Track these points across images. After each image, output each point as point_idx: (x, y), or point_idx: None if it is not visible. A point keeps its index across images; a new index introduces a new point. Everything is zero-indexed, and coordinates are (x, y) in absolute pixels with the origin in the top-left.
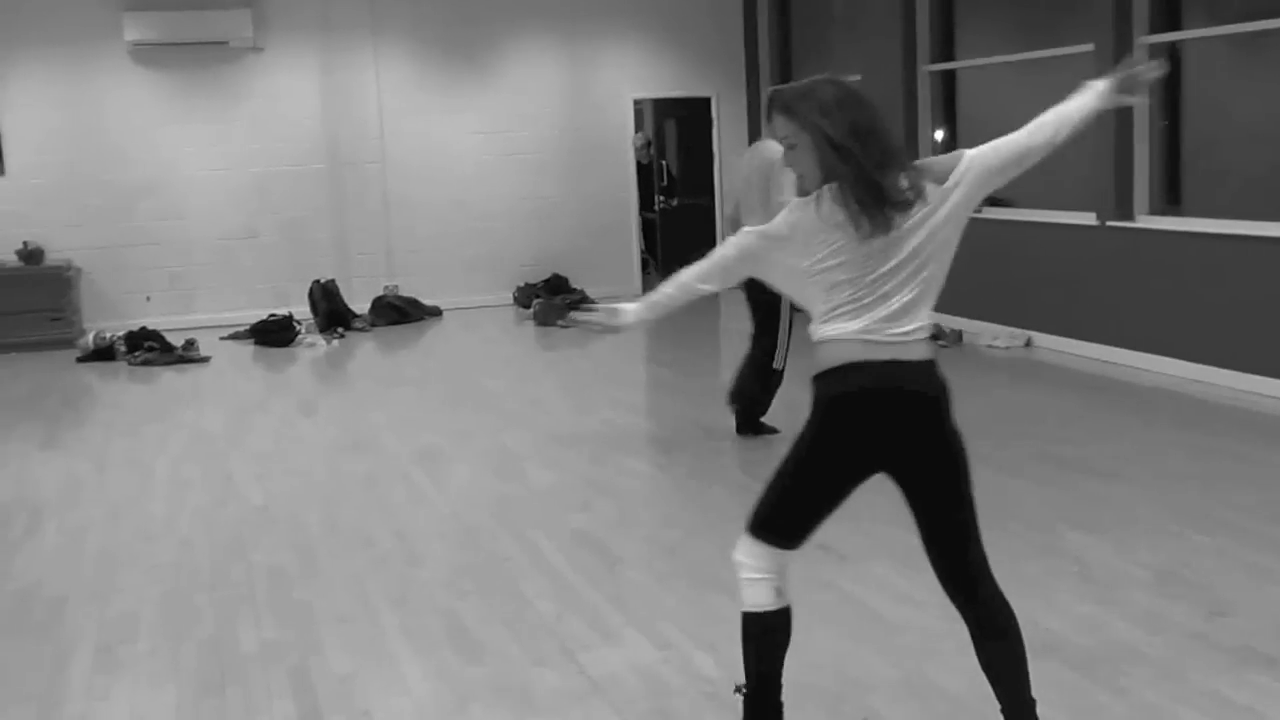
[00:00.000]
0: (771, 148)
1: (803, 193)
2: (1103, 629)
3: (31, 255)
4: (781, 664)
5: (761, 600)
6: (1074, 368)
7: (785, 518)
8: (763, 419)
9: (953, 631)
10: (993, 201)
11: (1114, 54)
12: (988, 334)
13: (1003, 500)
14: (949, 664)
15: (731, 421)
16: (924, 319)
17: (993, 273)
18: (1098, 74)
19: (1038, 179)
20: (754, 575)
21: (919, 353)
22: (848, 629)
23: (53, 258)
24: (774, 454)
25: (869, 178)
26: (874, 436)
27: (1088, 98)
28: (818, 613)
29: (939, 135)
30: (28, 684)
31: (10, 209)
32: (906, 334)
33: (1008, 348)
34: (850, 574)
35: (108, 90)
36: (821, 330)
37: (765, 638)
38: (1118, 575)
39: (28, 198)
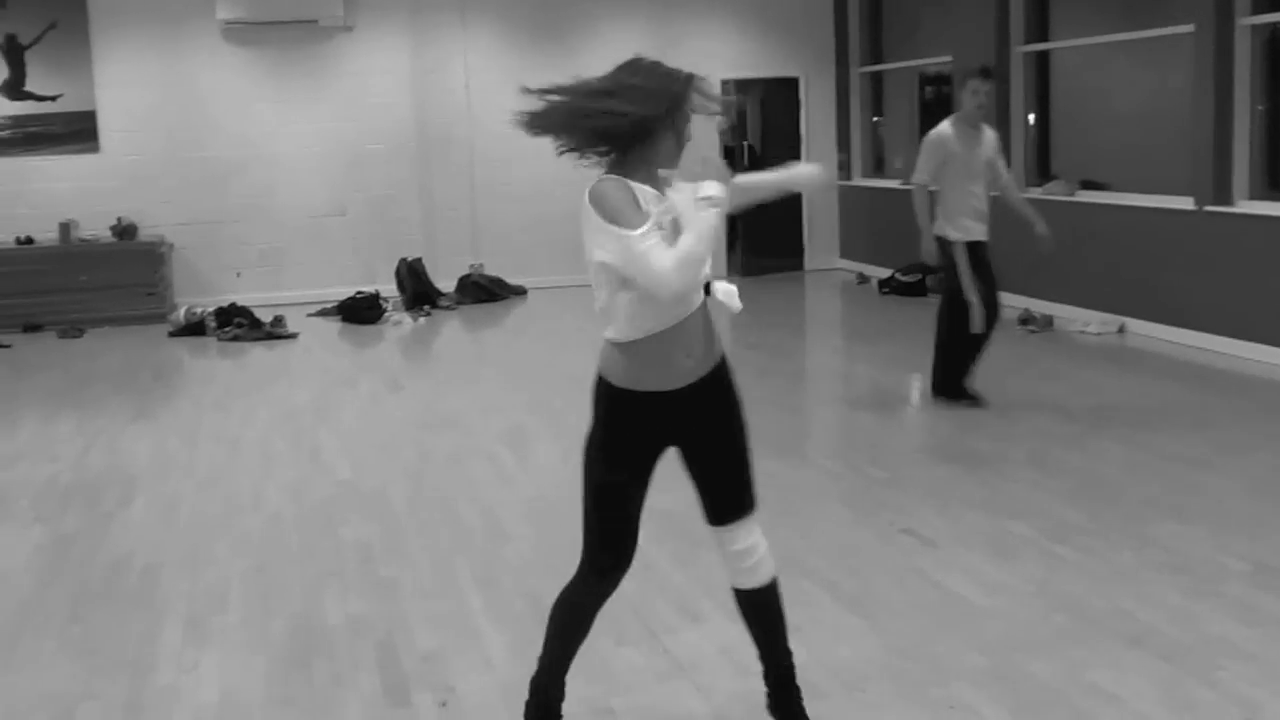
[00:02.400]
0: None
1: None
2: (1197, 621)
3: (125, 231)
4: (781, 637)
5: (772, 568)
6: (1168, 355)
7: None
8: (965, 385)
9: (1045, 619)
10: (1088, 185)
11: (1215, 36)
12: (1079, 320)
13: (1095, 490)
14: (1038, 652)
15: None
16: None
17: (1085, 257)
18: (1197, 56)
19: (1134, 163)
20: (764, 547)
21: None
22: (935, 615)
23: (146, 234)
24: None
25: None
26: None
27: (767, 187)
28: (905, 599)
29: (1031, 118)
30: (120, 653)
31: (105, 185)
32: None
33: (1099, 334)
34: (938, 560)
35: (200, 69)
36: None
37: (779, 604)
38: (1212, 566)
39: (122, 174)
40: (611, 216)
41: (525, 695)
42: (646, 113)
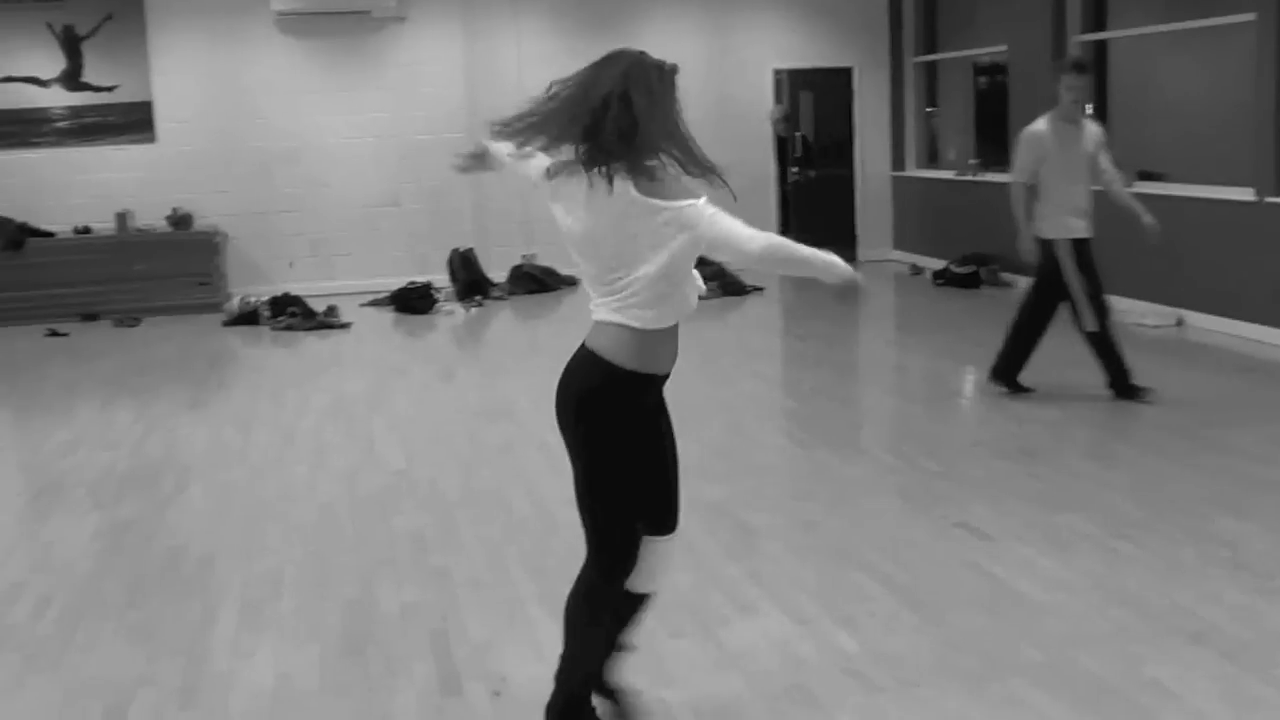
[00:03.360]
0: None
1: None
2: (1259, 618)
3: (180, 221)
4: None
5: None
6: (1228, 348)
7: None
8: (1133, 381)
9: (1103, 615)
10: (1145, 176)
11: (1277, 24)
12: (1137, 312)
13: (1154, 485)
14: (1096, 648)
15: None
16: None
17: (1143, 249)
18: (1258, 45)
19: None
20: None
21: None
22: (990, 610)
23: (201, 223)
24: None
25: None
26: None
27: (818, 264)
28: (960, 592)
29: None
30: (176, 639)
31: (161, 176)
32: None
33: (1157, 327)
34: (994, 554)
35: (255, 59)
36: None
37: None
38: (1272, 563)
39: (177, 165)
40: (674, 193)
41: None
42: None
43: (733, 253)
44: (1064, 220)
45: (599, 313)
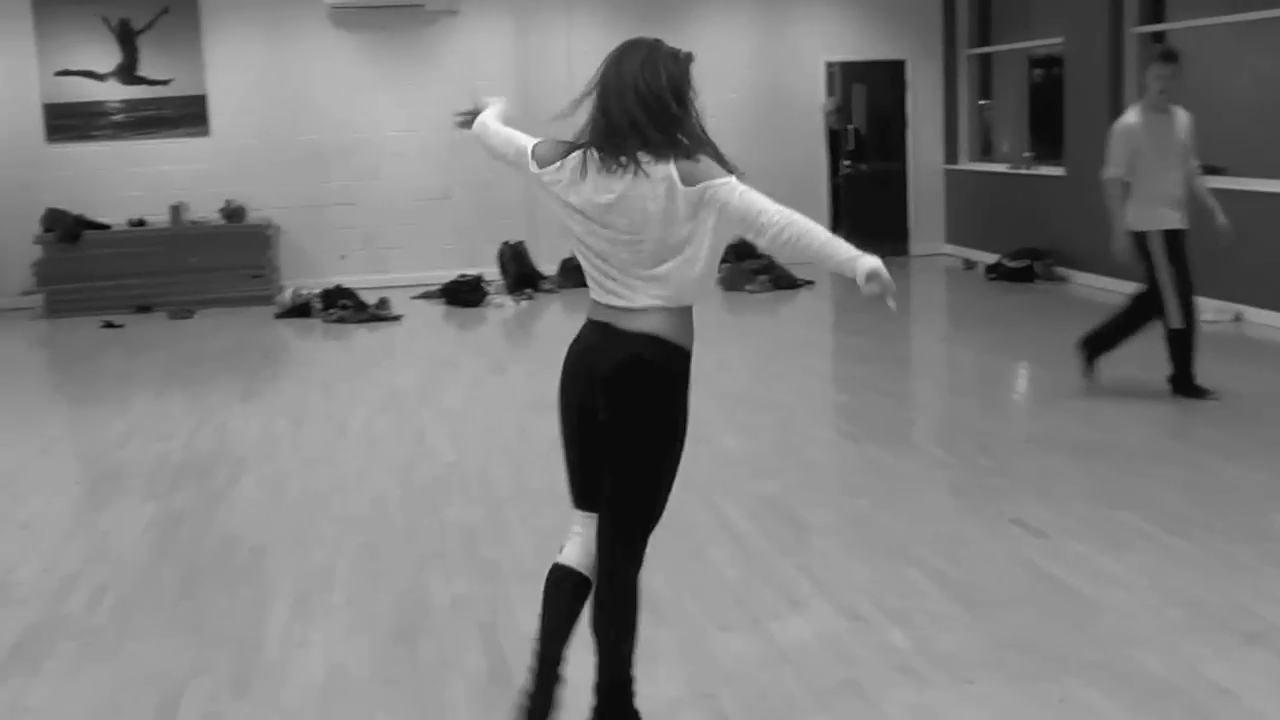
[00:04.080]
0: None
1: None
2: None
3: (234, 214)
4: (567, 633)
5: (565, 555)
6: None
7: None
8: (1196, 381)
9: (1159, 613)
10: (1204, 169)
11: None
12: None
13: (1210, 482)
14: (1152, 646)
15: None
16: None
17: (1200, 244)
18: None
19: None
20: (571, 534)
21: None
22: (1045, 607)
23: (254, 216)
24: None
25: None
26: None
27: (842, 255)
28: (1014, 589)
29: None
30: (229, 629)
31: (214, 168)
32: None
33: (1215, 322)
34: (1049, 552)
35: (308, 53)
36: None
37: (548, 593)
38: None
39: (231, 157)
40: (711, 173)
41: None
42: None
43: (758, 228)
44: (1157, 211)
45: (638, 299)
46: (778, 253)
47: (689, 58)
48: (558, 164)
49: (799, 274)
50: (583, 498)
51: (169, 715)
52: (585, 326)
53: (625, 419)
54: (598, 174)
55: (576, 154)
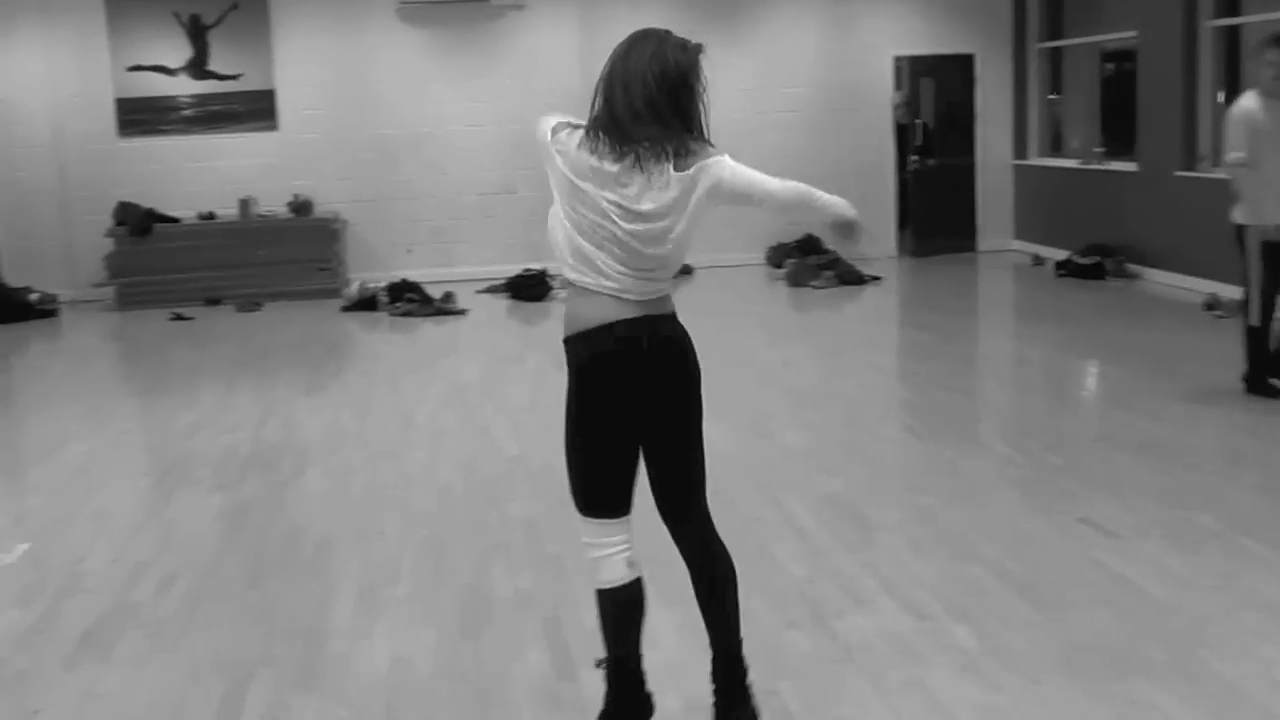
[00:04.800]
0: None
1: None
2: None
3: (301, 207)
4: (639, 635)
5: (614, 575)
6: None
7: (591, 487)
8: (1270, 380)
9: (1231, 616)
10: None
11: None
12: None
13: None
14: (1225, 649)
15: None
16: None
17: None
18: None
19: None
20: (603, 552)
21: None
22: (1114, 608)
23: (321, 210)
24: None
25: None
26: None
27: (828, 204)
28: (1083, 590)
29: (1220, 96)
30: (295, 620)
31: (282, 162)
32: None
33: None
34: (1119, 552)
35: (376, 48)
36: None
37: (619, 611)
38: None
39: (298, 152)
40: (702, 152)
41: (695, 673)
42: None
43: (761, 196)
44: (1263, 206)
45: (646, 288)
46: (775, 217)
47: (698, 49)
48: (574, 137)
49: (865, 270)
50: (621, 504)
51: (235, 705)
52: (594, 333)
53: (680, 389)
54: (618, 168)
55: (583, 136)
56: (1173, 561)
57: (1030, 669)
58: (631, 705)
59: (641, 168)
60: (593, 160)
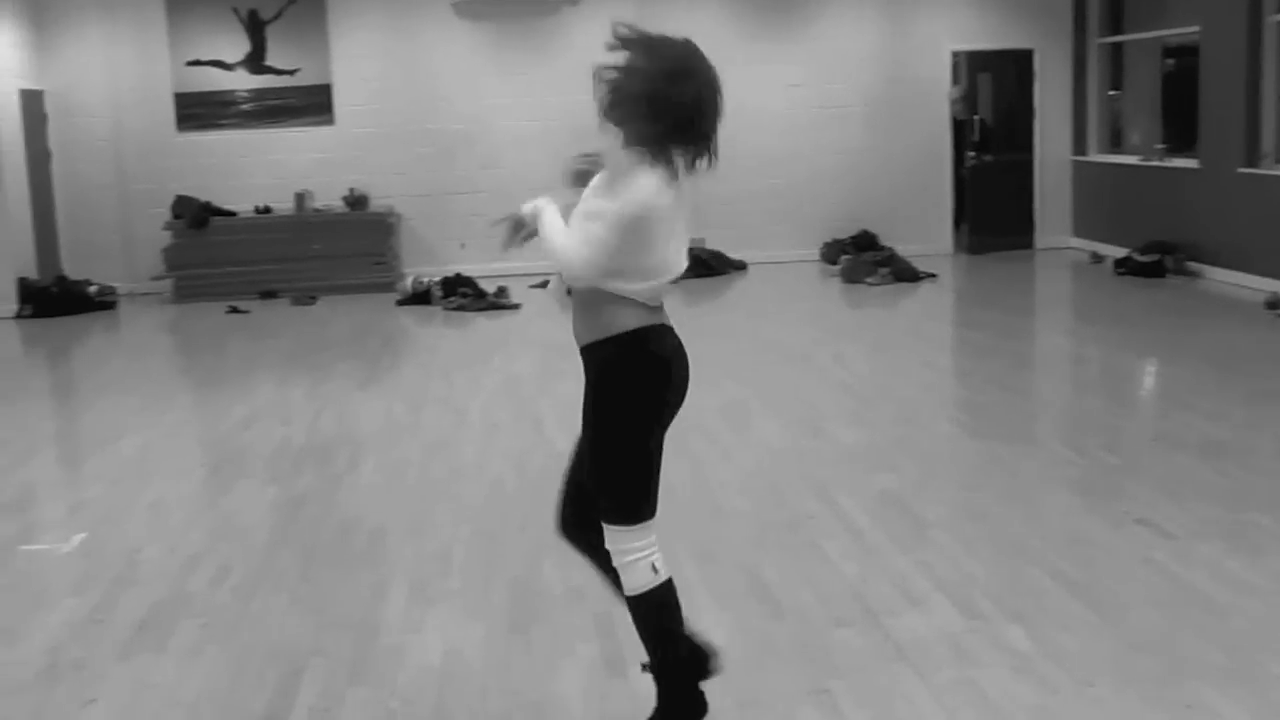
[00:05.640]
0: None
1: None
2: None
3: (357, 201)
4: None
5: (663, 568)
6: None
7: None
8: None
9: None
10: None
11: None
12: None
13: None
14: None
15: None
16: None
17: None
18: None
19: None
20: (652, 550)
21: None
22: (1173, 611)
23: (376, 204)
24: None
25: None
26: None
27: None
28: (1141, 593)
29: None
30: (347, 612)
31: (338, 157)
32: None
33: None
34: (1177, 553)
35: (432, 43)
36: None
37: (674, 604)
38: None
39: (354, 146)
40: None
41: (748, 671)
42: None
43: None
44: None
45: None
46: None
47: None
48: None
49: (920, 267)
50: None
51: (288, 695)
52: (664, 329)
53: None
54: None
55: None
56: (1232, 564)
57: (1084, 671)
58: (686, 704)
59: (679, 178)
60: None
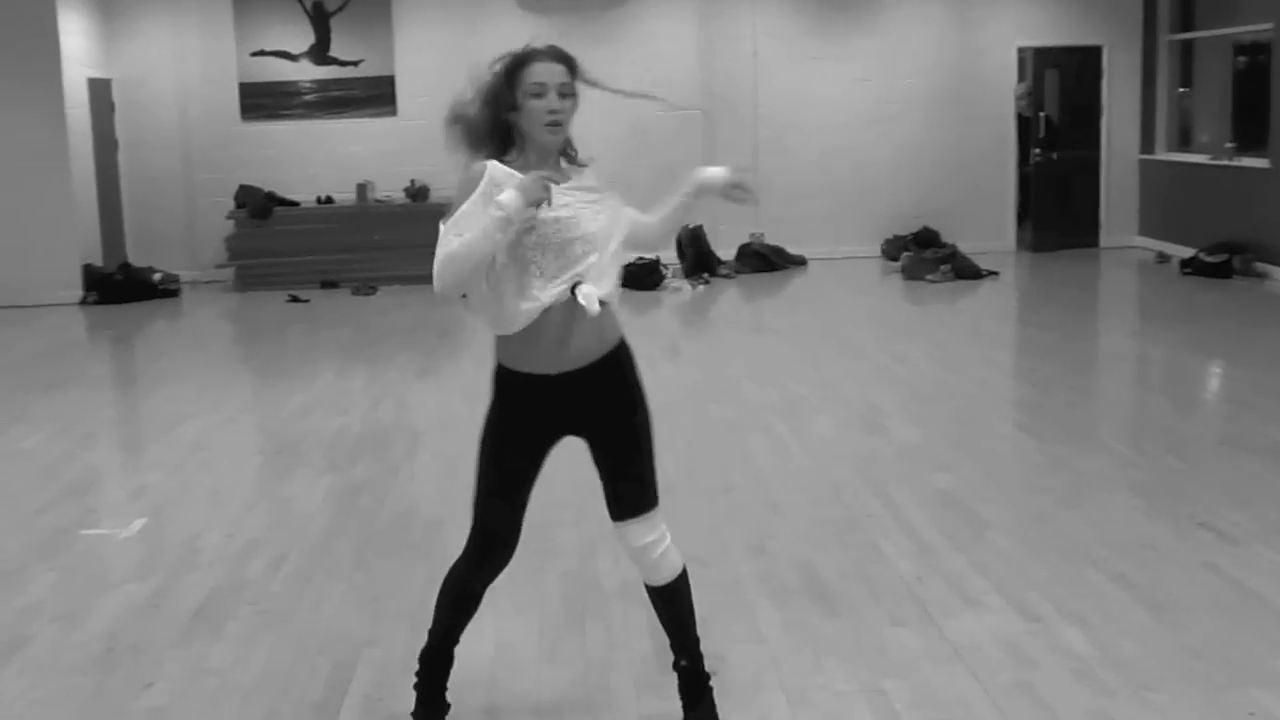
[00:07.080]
0: None
1: None
2: None
3: (418, 193)
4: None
5: (680, 560)
6: None
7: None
8: None
9: None
10: None
11: None
12: None
13: None
14: None
15: None
16: None
17: None
18: None
19: None
20: (667, 542)
21: None
22: (1233, 615)
23: (437, 196)
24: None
25: None
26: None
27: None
28: (1201, 596)
29: None
30: (402, 603)
31: (400, 148)
32: None
33: None
34: (1237, 557)
35: (496, 36)
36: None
37: (688, 595)
38: None
39: (416, 138)
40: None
41: (796, 669)
42: (473, 114)
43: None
44: None
45: None
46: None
47: (501, 65)
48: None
49: (982, 264)
50: None
51: (341, 684)
52: None
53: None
54: None
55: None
56: None
57: (1143, 676)
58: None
59: None
60: None
